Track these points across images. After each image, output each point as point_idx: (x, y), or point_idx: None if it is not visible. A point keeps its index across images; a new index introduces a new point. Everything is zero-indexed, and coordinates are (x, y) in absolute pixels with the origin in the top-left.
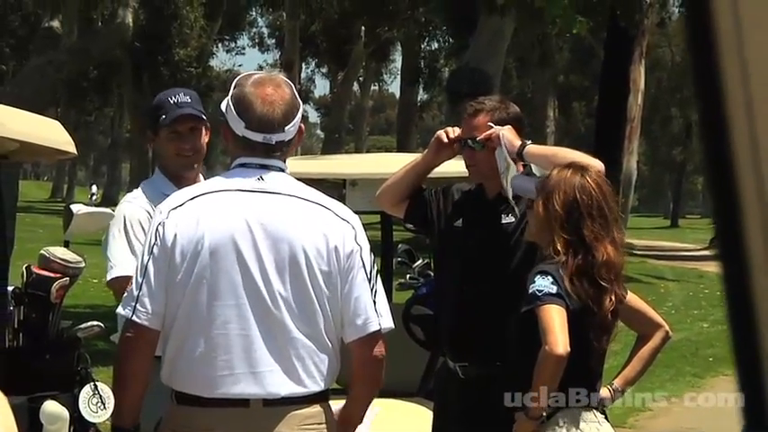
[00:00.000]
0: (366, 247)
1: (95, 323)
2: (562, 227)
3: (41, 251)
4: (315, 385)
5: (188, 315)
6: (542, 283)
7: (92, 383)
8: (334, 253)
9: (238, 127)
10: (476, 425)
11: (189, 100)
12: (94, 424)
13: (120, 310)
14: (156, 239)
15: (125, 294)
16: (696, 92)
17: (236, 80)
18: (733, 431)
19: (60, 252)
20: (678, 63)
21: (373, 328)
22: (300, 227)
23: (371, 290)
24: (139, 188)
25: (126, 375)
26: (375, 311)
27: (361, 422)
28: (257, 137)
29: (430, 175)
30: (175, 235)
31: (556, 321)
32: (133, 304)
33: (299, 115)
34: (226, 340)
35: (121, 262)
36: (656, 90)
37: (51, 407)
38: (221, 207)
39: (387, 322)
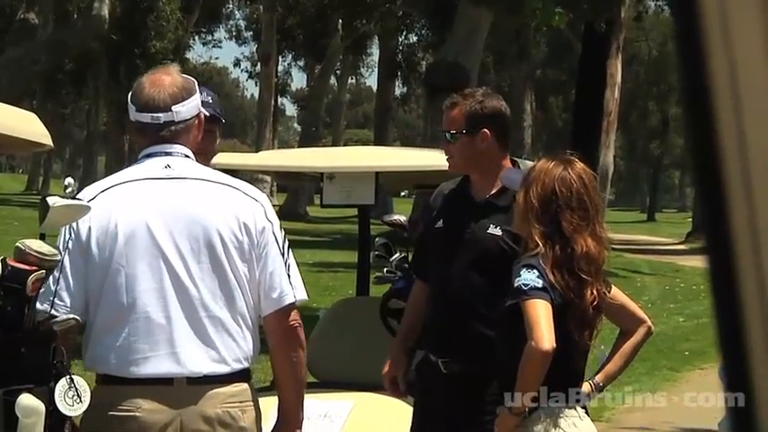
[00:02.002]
0: (277, 223)
1: (71, 316)
2: (538, 218)
3: (17, 244)
4: (237, 363)
5: (108, 302)
6: (528, 277)
7: (68, 377)
8: (246, 231)
9: (132, 113)
10: (457, 419)
11: (210, 100)
12: (70, 417)
13: (38, 305)
14: (70, 235)
15: (42, 290)
16: (682, 85)
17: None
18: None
19: (36, 245)
20: (655, 57)
21: (289, 300)
22: (212, 208)
23: (285, 264)
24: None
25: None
26: (290, 285)
27: (301, 418)
28: (146, 117)
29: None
30: (89, 228)
31: (542, 316)
32: (51, 299)
33: (193, 101)
34: (147, 324)
35: None
36: (634, 84)
37: (27, 400)
38: (132, 196)
39: (301, 294)
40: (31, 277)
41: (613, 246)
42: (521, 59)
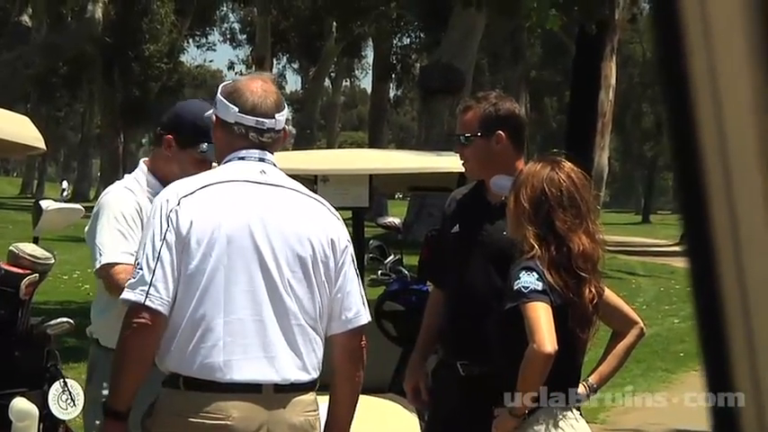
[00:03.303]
0: (351, 242)
1: (65, 320)
2: (531, 220)
3: (10, 247)
4: (315, 372)
5: (204, 300)
6: (528, 280)
7: (61, 380)
8: (333, 247)
9: (231, 114)
10: (475, 422)
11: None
12: (64, 421)
13: (128, 295)
14: (169, 226)
15: (131, 279)
16: (662, 87)
17: (220, 87)
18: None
19: (30, 248)
20: (649, 59)
21: (363, 321)
22: (307, 221)
23: (360, 285)
24: (126, 181)
25: (133, 359)
26: (363, 306)
27: (348, 430)
28: (250, 120)
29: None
30: (191, 222)
31: (543, 319)
32: (146, 289)
33: (286, 112)
34: (242, 325)
35: (112, 250)
36: (628, 86)
37: (20, 404)
38: (233, 196)
39: (369, 315)
40: (25, 281)
41: (608, 247)
42: (515, 61)
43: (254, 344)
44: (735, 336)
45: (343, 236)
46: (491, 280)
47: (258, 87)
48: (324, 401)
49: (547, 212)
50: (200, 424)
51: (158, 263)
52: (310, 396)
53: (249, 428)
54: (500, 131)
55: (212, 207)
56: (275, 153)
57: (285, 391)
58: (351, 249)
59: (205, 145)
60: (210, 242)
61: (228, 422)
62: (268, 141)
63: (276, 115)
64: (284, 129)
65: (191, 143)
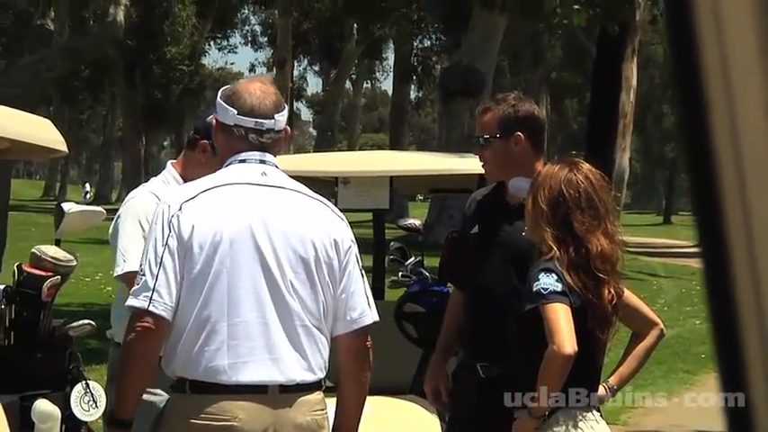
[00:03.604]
0: (355, 242)
1: (87, 321)
2: (549, 222)
3: (33, 249)
4: (320, 372)
5: (208, 303)
6: (547, 281)
7: (83, 382)
8: (336, 248)
9: (230, 116)
10: (495, 423)
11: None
12: (86, 422)
13: (132, 301)
14: (170, 231)
15: (135, 286)
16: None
17: (220, 91)
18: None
19: (52, 250)
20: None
21: (369, 320)
22: (309, 222)
23: (365, 285)
24: (153, 184)
25: (137, 364)
26: (369, 306)
27: (356, 430)
28: (249, 122)
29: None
30: (193, 227)
31: (562, 320)
32: (149, 295)
33: (286, 113)
34: (246, 328)
35: (135, 257)
36: (649, 87)
37: (43, 405)
38: (234, 199)
39: (376, 316)
40: (47, 283)
41: (629, 249)
42: (536, 62)
43: (259, 346)
44: (748, 336)
45: (346, 236)
46: (510, 281)
47: (256, 89)
48: (332, 403)
49: (565, 214)
50: (207, 426)
51: (161, 268)
52: (317, 396)
53: (255, 429)
54: (519, 133)
55: (214, 211)
56: (287, 154)
57: (291, 392)
58: (355, 249)
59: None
60: (213, 246)
61: (235, 423)
62: (268, 142)
63: (275, 116)
64: (285, 129)
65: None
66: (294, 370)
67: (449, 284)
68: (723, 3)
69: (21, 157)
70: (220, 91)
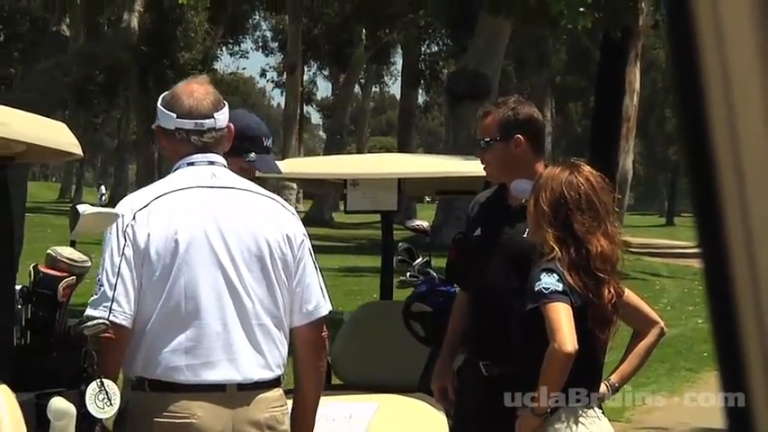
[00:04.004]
0: (307, 236)
1: (101, 321)
2: (550, 223)
3: (48, 251)
4: (278, 369)
5: (167, 308)
6: (548, 281)
7: (98, 380)
8: (289, 243)
9: (171, 121)
10: (497, 421)
11: (272, 144)
12: (101, 420)
13: (92, 312)
14: (126, 241)
15: (94, 296)
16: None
17: (160, 98)
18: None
19: (67, 252)
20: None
21: (324, 312)
22: (260, 219)
23: (319, 277)
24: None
25: (107, 373)
26: (323, 297)
27: (313, 425)
28: (189, 124)
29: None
30: (148, 235)
31: (564, 319)
32: (108, 305)
33: (227, 111)
34: (204, 329)
35: None
36: (651, 91)
37: (59, 403)
38: (187, 204)
39: (330, 305)
40: (62, 283)
41: (633, 249)
42: (541, 67)
43: (217, 347)
44: (748, 337)
45: (299, 231)
46: (511, 281)
47: (194, 91)
48: (333, 400)
49: (566, 215)
50: (167, 423)
51: (119, 278)
52: (275, 392)
53: (214, 427)
54: (519, 135)
55: (167, 217)
56: (297, 157)
57: (249, 390)
58: (308, 243)
59: (253, 154)
60: (169, 252)
61: (194, 420)
62: (210, 141)
63: (215, 114)
64: (228, 126)
65: (239, 152)
66: (252, 369)
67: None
68: (723, 9)
69: (37, 161)
70: (161, 97)
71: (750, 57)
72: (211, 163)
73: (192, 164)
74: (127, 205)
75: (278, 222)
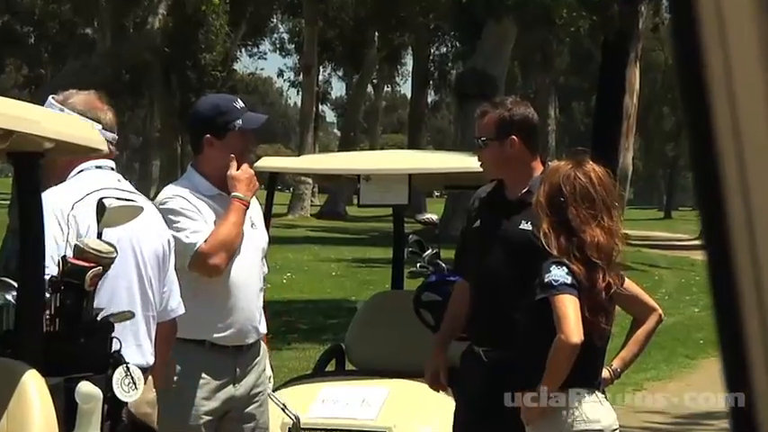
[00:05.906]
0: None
1: (127, 309)
2: (546, 213)
3: (76, 242)
4: (151, 357)
5: (100, 300)
6: (558, 273)
7: (124, 365)
8: (168, 245)
9: (102, 133)
10: (498, 405)
11: (243, 103)
12: (126, 403)
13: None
14: (69, 229)
15: None
16: (680, 87)
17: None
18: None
19: (94, 243)
20: (671, 65)
21: (182, 310)
22: (155, 224)
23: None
24: (180, 185)
25: None
26: (179, 297)
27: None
28: (109, 135)
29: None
30: (89, 226)
31: (571, 311)
32: None
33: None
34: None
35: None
36: (650, 90)
37: (86, 387)
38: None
39: (183, 308)
40: (90, 273)
41: (632, 242)
42: (545, 68)
43: (129, 334)
44: (751, 334)
45: (171, 235)
46: (506, 271)
47: (105, 104)
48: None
49: (560, 206)
50: None
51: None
52: (149, 377)
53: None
54: (513, 136)
55: (93, 218)
56: (312, 153)
57: (145, 373)
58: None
59: (239, 121)
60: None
61: None
62: (113, 150)
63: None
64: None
65: (224, 130)
66: (149, 355)
67: None
68: (726, 8)
69: (66, 157)
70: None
71: (752, 54)
72: (112, 169)
73: (99, 167)
74: (61, 196)
75: (163, 227)
